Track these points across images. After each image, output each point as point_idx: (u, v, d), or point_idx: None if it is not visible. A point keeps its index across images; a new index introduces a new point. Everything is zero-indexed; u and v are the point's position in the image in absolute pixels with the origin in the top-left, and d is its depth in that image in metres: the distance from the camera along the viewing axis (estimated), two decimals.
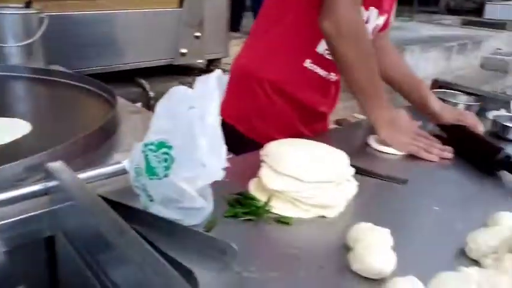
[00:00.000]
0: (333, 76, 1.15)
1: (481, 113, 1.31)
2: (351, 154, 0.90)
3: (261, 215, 0.72)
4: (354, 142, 1.11)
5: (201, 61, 2.41)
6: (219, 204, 0.73)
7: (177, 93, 0.65)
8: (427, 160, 1.00)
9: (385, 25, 1.22)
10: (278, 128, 1.13)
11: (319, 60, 1.09)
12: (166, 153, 0.63)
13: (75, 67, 1.73)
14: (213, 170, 0.63)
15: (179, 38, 2.25)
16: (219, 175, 0.64)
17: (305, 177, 0.73)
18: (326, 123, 1.31)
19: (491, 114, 1.27)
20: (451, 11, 8.51)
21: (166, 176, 0.63)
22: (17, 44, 1.51)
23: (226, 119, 1.25)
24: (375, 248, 0.59)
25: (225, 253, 0.58)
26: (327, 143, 0.86)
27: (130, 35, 2.18)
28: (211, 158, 0.61)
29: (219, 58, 2.53)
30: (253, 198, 0.75)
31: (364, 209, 0.79)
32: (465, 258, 0.65)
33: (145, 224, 0.62)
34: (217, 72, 0.66)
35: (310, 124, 1.20)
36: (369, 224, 0.65)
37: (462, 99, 1.35)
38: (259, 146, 0.84)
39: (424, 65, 4.59)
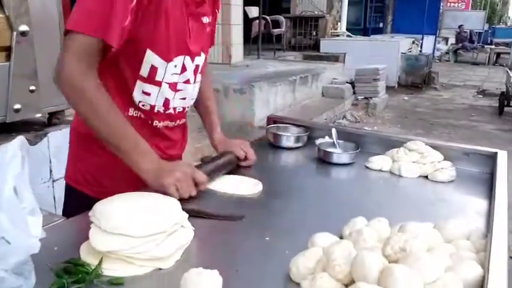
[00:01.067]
0: (160, 124, 1.12)
1: (310, 141, 1.46)
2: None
3: (91, 280, 0.69)
4: None
5: (39, 115, 2.23)
6: (46, 276, 0.67)
7: None
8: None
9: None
10: (129, 182, 1.03)
11: (138, 108, 1.06)
12: None
13: None
14: (22, 244, 0.58)
15: (10, 94, 2.06)
16: (33, 248, 0.60)
17: (134, 232, 0.71)
18: None
19: (318, 142, 1.42)
20: (293, 47, 9.48)
21: None
22: None
23: (73, 185, 1.16)
24: None
25: None
26: None
27: None
28: (16, 232, 0.57)
29: (62, 110, 2.37)
30: (83, 265, 0.71)
31: (201, 253, 0.81)
32: (291, 283, 0.70)
33: None
34: (19, 139, 0.63)
35: None
36: (199, 269, 0.67)
37: (293, 131, 1.50)
38: None
39: (274, 99, 4.97)
